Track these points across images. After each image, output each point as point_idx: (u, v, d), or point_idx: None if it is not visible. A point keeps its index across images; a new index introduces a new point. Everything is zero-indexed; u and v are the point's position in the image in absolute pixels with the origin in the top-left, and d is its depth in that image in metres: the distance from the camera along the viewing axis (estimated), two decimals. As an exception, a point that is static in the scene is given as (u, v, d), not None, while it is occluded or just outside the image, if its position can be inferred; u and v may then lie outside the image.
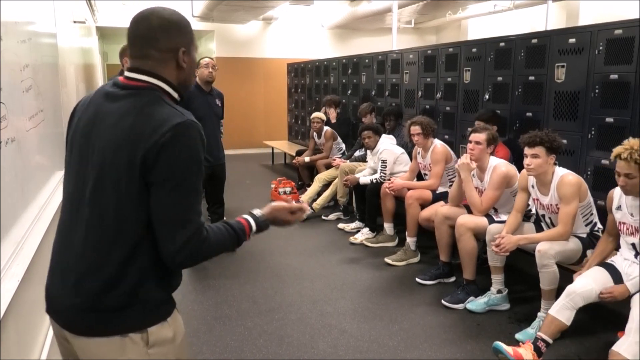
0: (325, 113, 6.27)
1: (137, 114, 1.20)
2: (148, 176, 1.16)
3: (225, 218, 4.54)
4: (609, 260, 2.63)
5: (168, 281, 1.28)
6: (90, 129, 1.25)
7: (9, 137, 1.76)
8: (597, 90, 3.24)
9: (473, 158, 3.29)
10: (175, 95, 1.31)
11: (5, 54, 1.75)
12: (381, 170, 4.53)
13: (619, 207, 2.56)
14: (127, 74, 1.28)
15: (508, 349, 2.46)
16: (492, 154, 3.37)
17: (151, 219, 1.18)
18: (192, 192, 1.20)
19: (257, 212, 1.39)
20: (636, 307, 2.23)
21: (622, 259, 2.58)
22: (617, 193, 2.58)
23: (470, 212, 3.40)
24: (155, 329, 1.24)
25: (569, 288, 2.48)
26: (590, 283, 2.47)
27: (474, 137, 3.31)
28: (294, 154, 6.91)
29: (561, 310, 2.45)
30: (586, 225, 2.95)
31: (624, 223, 2.54)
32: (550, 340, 2.46)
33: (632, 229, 2.50)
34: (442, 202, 3.78)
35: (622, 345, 2.15)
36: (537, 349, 2.44)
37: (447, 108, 4.70)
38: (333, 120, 6.24)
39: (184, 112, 1.23)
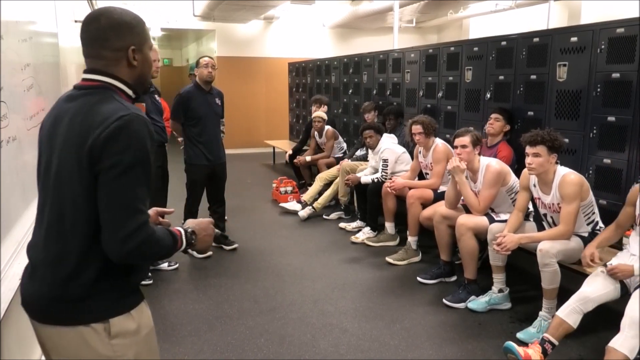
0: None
1: (86, 111, 1.23)
2: (96, 167, 1.19)
3: (226, 217, 4.54)
4: (614, 260, 2.62)
5: (130, 274, 1.31)
6: (53, 131, 1.29)
7: (9, 135, 1.76)
8: (598, 89, 3.24)
9: (462, 161, 3.31)
10: (130, 92, 1.34)
11: (6, 53, 1.75)
12: (382, 169, 4.53)
13: None
14: (83, 75, 1.32)
15: (519, 350, 2.46)
16: (495, 154, 3.37)
17: (99, 207, 1.20)
18: (139, 184, 1.21)
19: (184, 225, 1.44)
20: (631, 303, 2.25)
21: (629, 255, 2.57)
22: None
23: (468, 212, 3.40)
24: (117, 320, 1.27)
25: (581, 293, 2.47)
26: (602, 289, 2.46)
27: (458, 141, 3.34)
28: (292, 153, 6.64)
29: (570, 314, 2.45)
30: (588, 225, 2.94)
31: None
32: (556, 342, 2.46)
33: None
34: (443, 202, 3.77)
35: (618, 341, 2.17)
36: (544, 351, 2.45)
37: (449, 107, 4.69)
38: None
39: (130, 107, 1.26)
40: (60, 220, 1.24)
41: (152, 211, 1.54)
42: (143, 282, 3.52)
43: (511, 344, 2.52)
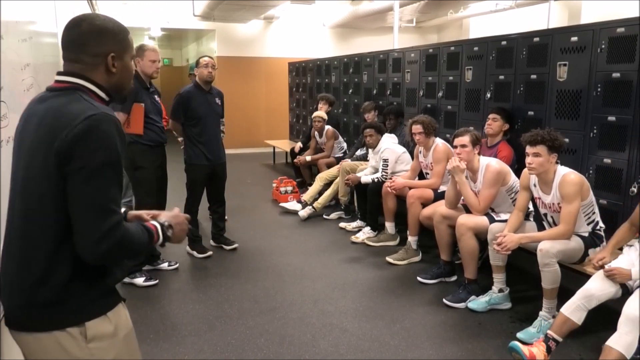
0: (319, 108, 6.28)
1: (55, 112, 1.23)
2: (65, 168, 1.18)
3: (226, 217, 4.54)
4: (619, 258, 2.61)
5: (102, 276, 1.30)
6: (23, 134, 1.29)
7: (10, 135, 1.76)
8: (599, 89, 3.23)
9: (462, 161, 3.31)
10: (103, 95, 1.33)
11: (6, 53, 1.75)
12: (382, 169, 4.53)
13: None
14: (56, 77, 1.31)
15: (524, 349, 2.46)
16: (496, 154, 3.37)
17: (70, 210, 1.19)
18: (111, 184, 1.21)
19: (159, 219, 1.43)
20: (629, 302, 2.26)
21: (636, 255, 2.56)
22: None
23: (468, 211, 3.40)
24: (93, 324, 1.26)
25: (586, 290, 2.46)
26: (607, 287, 2.46)
27: (458, 141, 3.34)
28: (302, 146, 6.70)
29: (575, 311, 2.45)
30: (588, 224, 2.94)
31: None
32: (560, 340, 2.47)
33: None
34: (443, 201, 3.77)
35: (614, 339, 2.19)
36: (547, 349, 2.45)
37: (449, 107, 4.69)
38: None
39: (100, 106, 1.24)
40: (29, 223, 1.23)
41: (138, 213, 1.53)
42: (148, 283, 3.56)
43: (516, 343, 2.52)
